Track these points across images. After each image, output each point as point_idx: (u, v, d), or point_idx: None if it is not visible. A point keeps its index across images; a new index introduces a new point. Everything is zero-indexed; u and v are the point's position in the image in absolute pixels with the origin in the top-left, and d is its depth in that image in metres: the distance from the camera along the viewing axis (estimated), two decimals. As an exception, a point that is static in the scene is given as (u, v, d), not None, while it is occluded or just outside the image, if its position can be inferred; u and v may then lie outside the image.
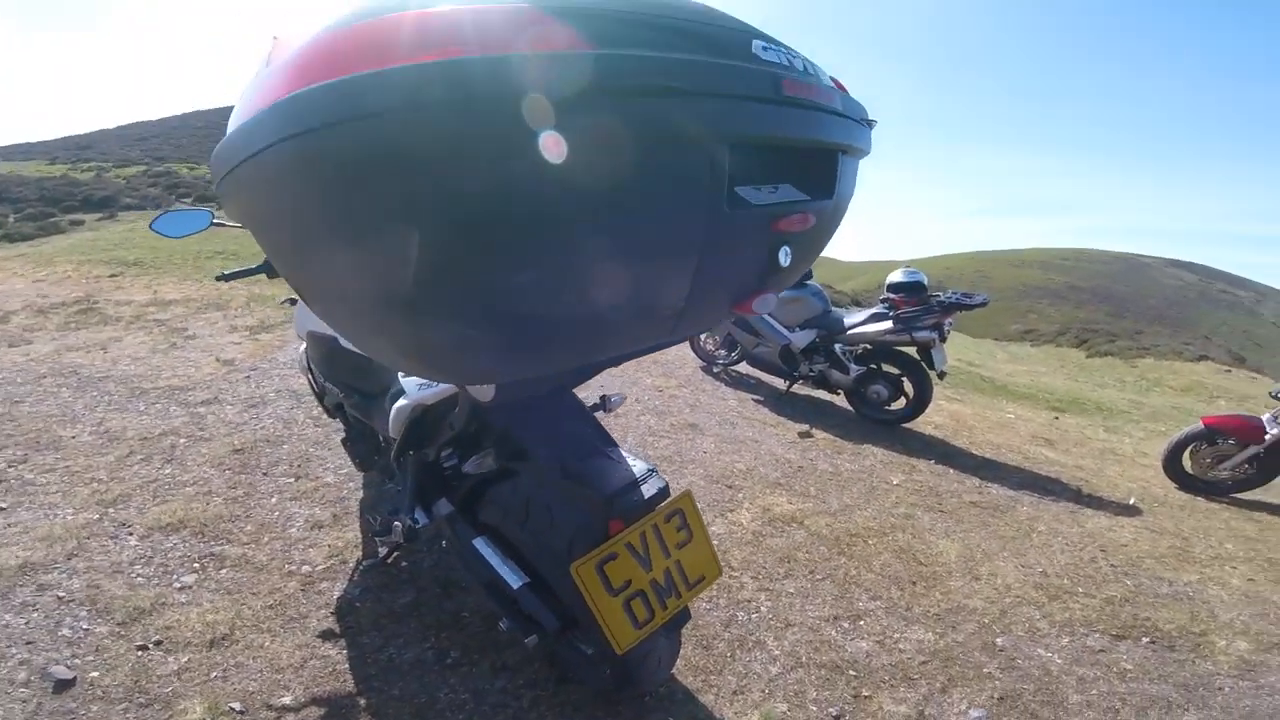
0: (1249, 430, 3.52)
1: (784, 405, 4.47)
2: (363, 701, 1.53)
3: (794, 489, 3.09)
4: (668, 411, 3.89)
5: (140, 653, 1.59)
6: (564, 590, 1.31)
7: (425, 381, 1.33)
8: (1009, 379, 7.35)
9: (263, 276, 2.15)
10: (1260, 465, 3.55)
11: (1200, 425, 3.75)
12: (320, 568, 2.09)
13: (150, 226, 2.10)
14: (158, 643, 1.62)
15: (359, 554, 2.18)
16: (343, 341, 1.98)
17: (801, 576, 2.33)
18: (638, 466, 1.24)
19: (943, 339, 3.99)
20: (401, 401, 1.42)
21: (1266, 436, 3.45)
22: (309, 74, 0.64)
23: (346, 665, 1.63)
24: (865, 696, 1.76)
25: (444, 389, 1.29)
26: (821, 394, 4.73)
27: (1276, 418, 3.48)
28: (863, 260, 60.15)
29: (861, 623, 2.10)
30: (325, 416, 3.40)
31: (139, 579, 1.91)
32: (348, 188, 0.65)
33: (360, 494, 2.61)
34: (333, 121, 0.61)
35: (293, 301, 2.61)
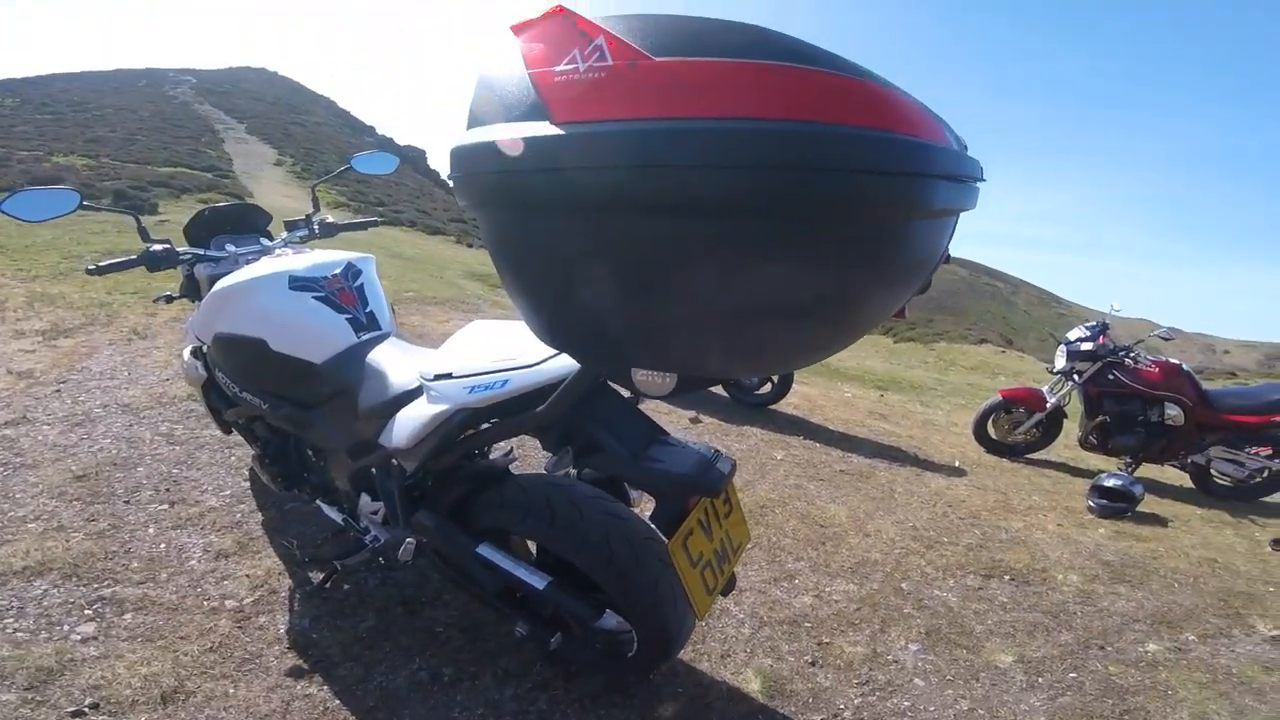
0: (1034, 400, 4.43)
1: (669, 394, 4.69)
2: (376, 734, 1.40)
3: (704, 472, 3.30)
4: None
5: (78, 721, 1.30)
6: (610, 578, 1.34)
7: (480, 382, 1.25)
8: (839, 363, 8.33)
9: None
10: (1043, 430, 4.48)
11: (999, 397, 4.62)
12: (248, 601, 1.85)
13: (0, 208, 1.71)
14: (94, 706, 1.34)
15: (288, 582, 1.96)
16: (273, 346, 1.75)
17: (738, 551, 2.53)
18: (700, 447, 1.31)
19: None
20: (435, 408, 1.30)
21: (1047, 405, 4.36)
22: (764, 105, 0.68)
23: (338, 701, 1.47)
24: (826, 643, 1.98)
25: (506, 390, 1.22)
26: (699, 382, 5.04)
27: (1052, 390, 4.42)
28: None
29: (796, 581, 2.35)
30: (178, 432, 2.95)
31: (19, 634, 1.55)
32: (788, 227, 0.72)
33: (259, 516, 2.33)
34: (797, 166, 0.68)
35: (169, 299, 2.24)
